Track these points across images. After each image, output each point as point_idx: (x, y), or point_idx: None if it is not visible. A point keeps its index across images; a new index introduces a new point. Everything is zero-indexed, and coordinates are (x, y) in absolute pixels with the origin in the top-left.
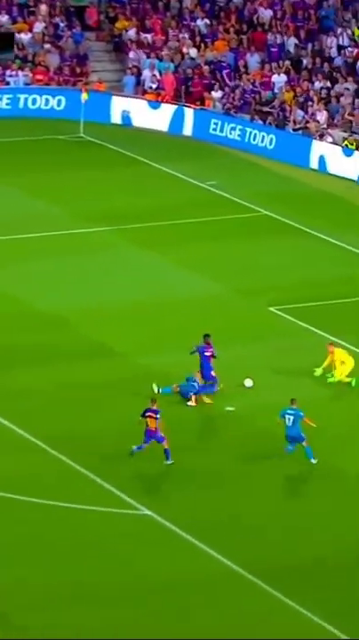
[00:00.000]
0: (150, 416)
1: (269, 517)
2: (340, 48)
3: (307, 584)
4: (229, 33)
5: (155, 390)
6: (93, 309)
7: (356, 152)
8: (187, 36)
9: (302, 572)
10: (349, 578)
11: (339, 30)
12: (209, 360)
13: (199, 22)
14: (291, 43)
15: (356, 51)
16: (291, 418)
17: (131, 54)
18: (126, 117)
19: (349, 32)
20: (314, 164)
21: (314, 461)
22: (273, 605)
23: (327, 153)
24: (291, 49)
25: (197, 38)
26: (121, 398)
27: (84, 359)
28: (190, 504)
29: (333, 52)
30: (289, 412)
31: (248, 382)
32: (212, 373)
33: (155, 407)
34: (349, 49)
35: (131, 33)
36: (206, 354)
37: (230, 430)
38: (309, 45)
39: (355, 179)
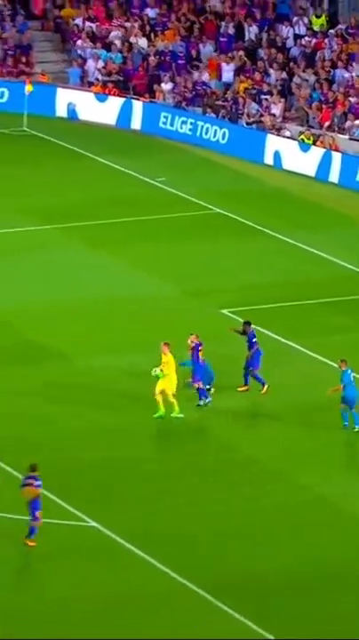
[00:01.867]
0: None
1: (223, 531)
2: (297, 37)
3: (258, 598)
4: (181, 22)
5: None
6: (38, 311)
7: (313, 147)
8: (136, 25)
9: (254, 586)
10: (297, 593)
11: (296, 19)
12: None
13: (149, 10)
14: (245, 32)
15: (314, 41)
16: (352, 375)
17: (78, 44)
18: (72, 110)
19: (306, 21)
20: (268, 159)
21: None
22: (225, 621)
23: (282, 148)
24: (245, 38)
25: (147, 27)
26: (67, 404)
27: (27, 363)
28: (138, 515)
29: (289, 42)
30: (349, 371)
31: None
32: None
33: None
34: (306, 38)
35: (78, 22)
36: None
37: (184, 439)
38: (264, 35)
39: (312, 175)
